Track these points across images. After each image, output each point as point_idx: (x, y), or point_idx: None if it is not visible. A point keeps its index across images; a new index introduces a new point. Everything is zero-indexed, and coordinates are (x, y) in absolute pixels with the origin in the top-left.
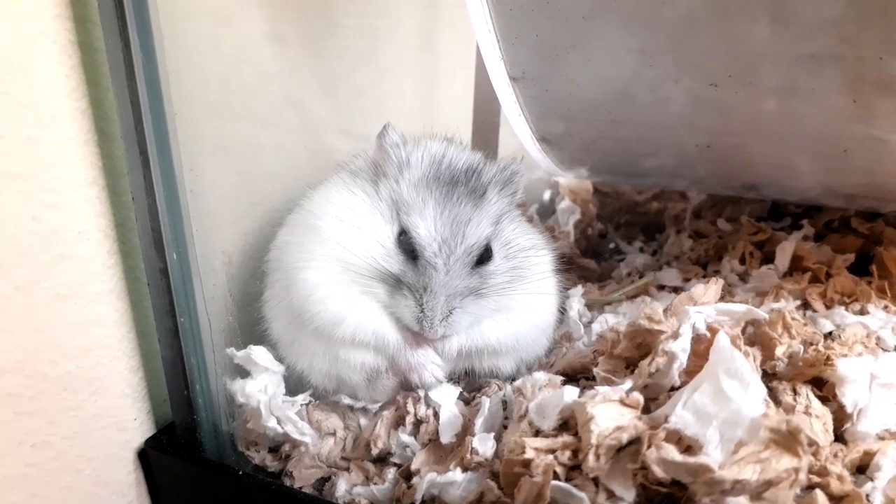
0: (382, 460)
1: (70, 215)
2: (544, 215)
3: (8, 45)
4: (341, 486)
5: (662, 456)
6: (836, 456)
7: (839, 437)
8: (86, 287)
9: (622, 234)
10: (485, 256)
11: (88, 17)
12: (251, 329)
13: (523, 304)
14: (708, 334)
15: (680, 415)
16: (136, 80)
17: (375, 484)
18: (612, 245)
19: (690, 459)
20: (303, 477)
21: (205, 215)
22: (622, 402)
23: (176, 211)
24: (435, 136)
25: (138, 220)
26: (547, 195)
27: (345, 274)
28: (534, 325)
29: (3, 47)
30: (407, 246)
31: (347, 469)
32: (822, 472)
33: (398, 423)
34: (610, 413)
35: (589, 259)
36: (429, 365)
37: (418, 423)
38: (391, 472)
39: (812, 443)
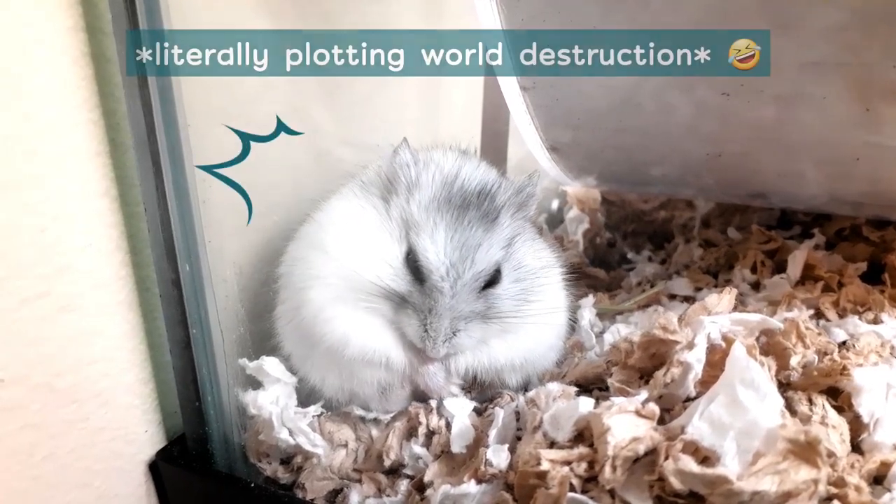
0: (395, 472)
1: (79, 226)
2: (552, 224)
3: (19, 55)
4: (353, 499)
5: (679, 467)
6: (852, 466)
7: (855, 447)
8: (94, 298)
9: (630, 243)
10: (493, 280)
11: (101, 28)
12: (262, 340)
13: (532, 325)
14: (723, 344)
15: (696, 426)
16: (149, 89)
17: (388, 496)
18: (627, 253)
19: (708, 470)
20: (315, 489)
21: (216, 226)
22: (638, 413)
23: (188, 221)
24: (450, 148)
25: (150, 230)
26: (555, 204)
27: (350, 291)
28: (542, 343)
29: (14, 58)
30: (414, 266)
31: (359, 481)
32: (840, 483)
33: (410, 434)
34: (626, 424)
35: (598, 268)
36: (445, 385)
37: (430, 434)
38: (404, 484)
39: (830, 454)
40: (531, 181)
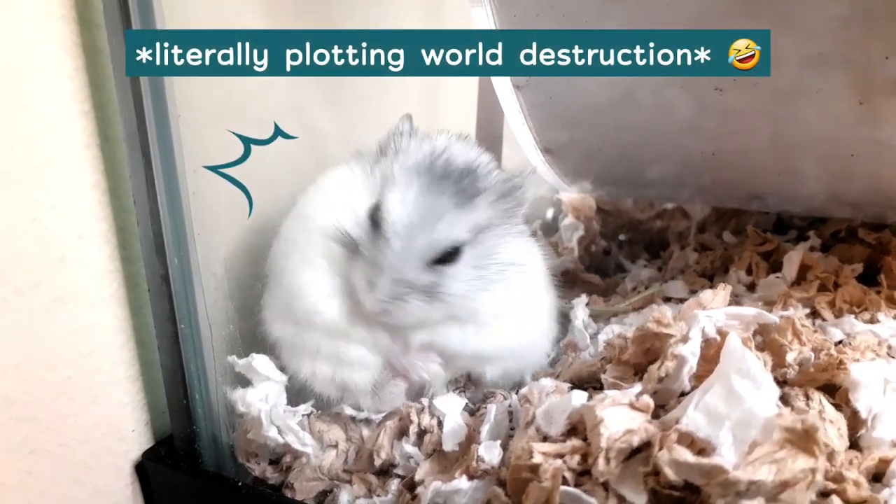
0: (385, 473)
1: (71, 219)
2: (548, 232)
3: (11, 46)
4: (343, 499)
5: (674, 457)
6: (851, 463)
7: (853, 444)
8: (85, 292)
9: (626, 251)
10: (448, 258)
11: (93, 19)
12: (252, 338)
13: (492, 316)
14: (718, 338)
15: (692, 416)
16: (140, 81)
17: (378, 496)
18: (623, 262)
19: (704, 460)
20: (304, 489)
21: (207, 219)
22: (632, 406)
23: (178, 213)
24: (453, 134)
25: (140, 223)
26: (550, 213)
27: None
28: (510, 338)
29: (6, 49)
30: (376, 219)
31: (349, 482)
32: (838, 478)
33: (402, 433)
34: (620, 416)
35: (593, 274)
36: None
37: (422, 433)
38: (394, 484)
39: (827, 445)
40: (522, 174)
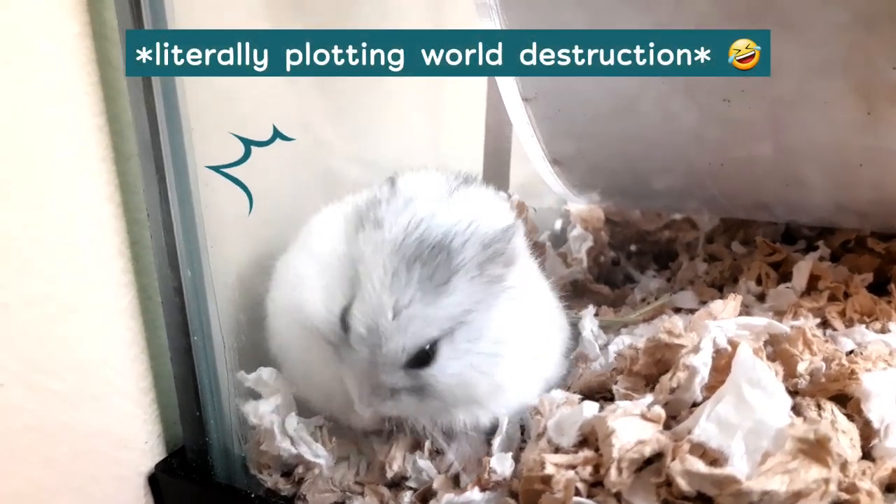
0: (397, 485)
1: (85, 231)
2: (556, 244)
3: (29, 62)
4: None
5: (687, 468)
6: (864, 473)
7: (866, 454)
8: (98, 303)
9: (634, 262)
10: (423, 359)
11: (107, 35)
12: (265, 350)
13: (497, 387)
14: (729, 348)
15: (703, 427)
16: (154, 94)
17: None
18: (632, 273)
19: (716, 471)
20: (316, 501)
21: (219, 232)
22: (644, 417)
23: (191, 226)
24: (455, 177)
25: (153, 236)
26: (558, 224)
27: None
28: (527, 393)
29: (24, 64)
30: (346, 322)
31: (362, 493)
32: (852, 489)
33: (414, 446)
34: (631, 427)
35: (602, 285)
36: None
37: (436, 450)
38: (407, 496)
39: (840, 456)
40: (505, 231)
